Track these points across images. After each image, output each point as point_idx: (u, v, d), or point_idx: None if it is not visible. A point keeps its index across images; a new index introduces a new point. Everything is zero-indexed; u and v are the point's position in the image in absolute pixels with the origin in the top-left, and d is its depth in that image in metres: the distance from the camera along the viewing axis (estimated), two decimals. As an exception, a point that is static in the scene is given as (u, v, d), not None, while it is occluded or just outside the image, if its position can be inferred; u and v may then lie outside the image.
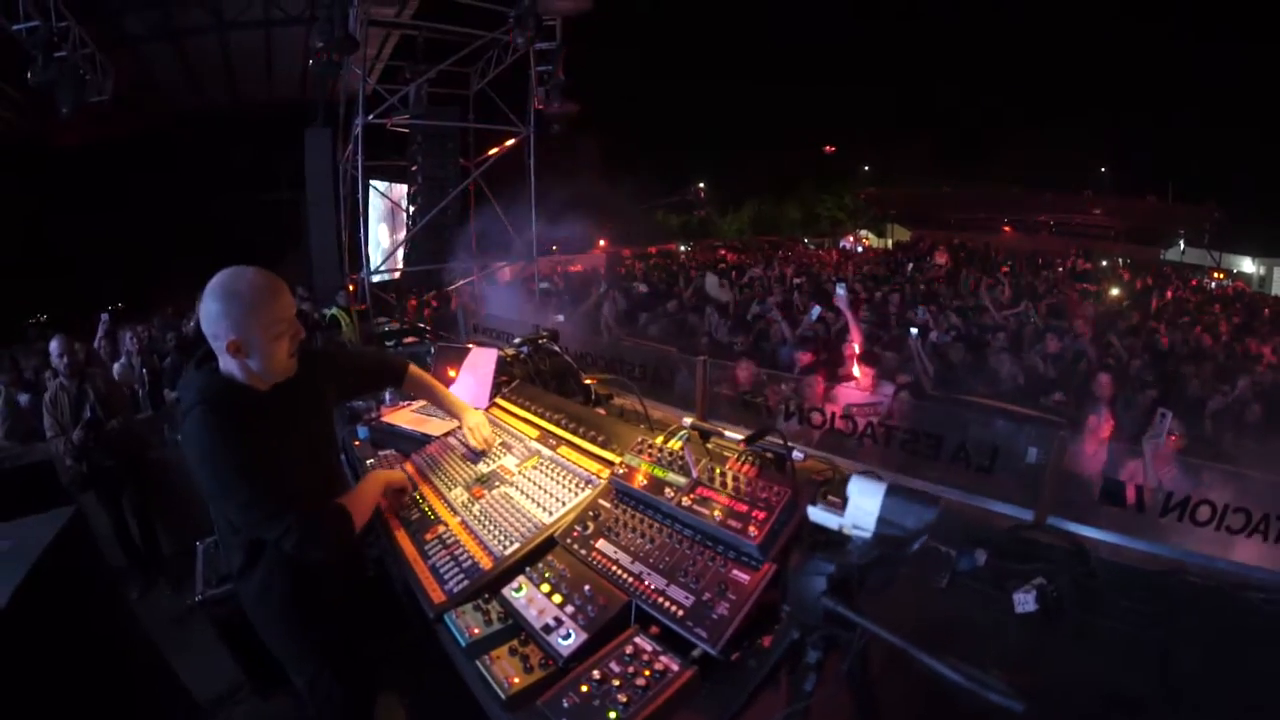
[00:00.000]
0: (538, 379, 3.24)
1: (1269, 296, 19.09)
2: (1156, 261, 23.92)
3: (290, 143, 12.73)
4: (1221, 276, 22.21)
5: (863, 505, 1.18)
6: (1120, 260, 22.93)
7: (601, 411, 2.90)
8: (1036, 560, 2.00)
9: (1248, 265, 23.45)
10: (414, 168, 12.62)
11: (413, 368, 2.61)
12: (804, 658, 1.07)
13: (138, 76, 9.76)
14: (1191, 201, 23.84)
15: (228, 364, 1.81)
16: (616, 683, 1.42)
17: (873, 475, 1.22)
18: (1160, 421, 3.35)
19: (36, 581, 2.03)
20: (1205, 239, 24.04)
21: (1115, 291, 12.41)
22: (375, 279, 11.17)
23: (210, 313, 1.75)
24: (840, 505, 1.22)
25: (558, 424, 2.52)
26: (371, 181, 11.93)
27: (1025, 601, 1.83)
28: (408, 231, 12.80)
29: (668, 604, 1.57)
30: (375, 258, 11.76)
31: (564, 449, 2.38)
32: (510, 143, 11.11)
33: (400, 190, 13.53)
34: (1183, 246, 25.15)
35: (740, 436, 1.91)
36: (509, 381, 3.11)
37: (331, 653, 2.08)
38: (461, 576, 1.89)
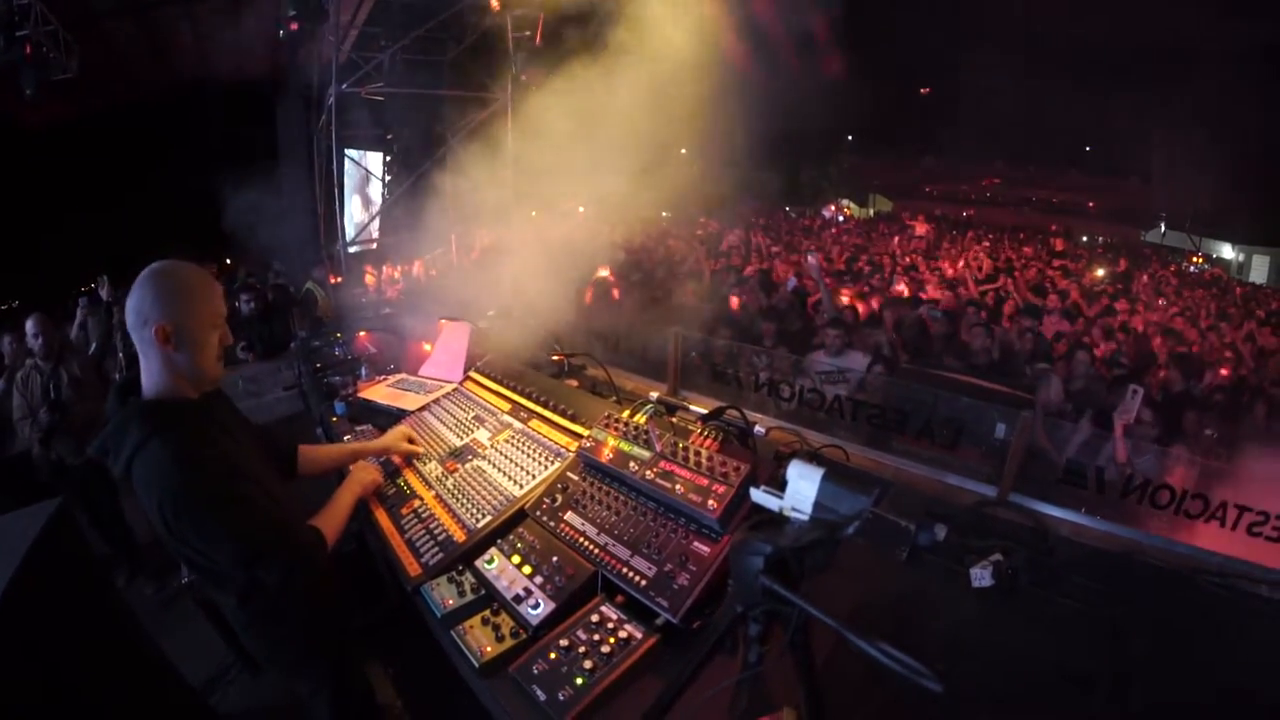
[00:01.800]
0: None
1: (1246, 283, 19.22)
2: (1137, 242, 24.06)
3: (263, 114, 12.42)
4: (1200, 261, 22.37)
5: (801, 490, 1.21)
6: (1100, 239, 23.04)
7: (574, 383, 2.92)
8: (996, 537, 2.03)
9: (1227, 251, 23.58)
10: (389, 136, 12.39)
11: (303, 448, 2.28)
12: (747, 631, 1.10)
13: (104, 53, 9.40)
14: (1175, 185, 23.85)
15: (152, 369, 1.68)
16: (583, 650, 1.47)
17: (814, 461, 1.24)
18: (1131, 398, 3.40)
19: (26, 578, 2.00)
20: (1186, 223, 24.14)
21: (1100, 272, 12.43)
22: (352, 250, 11.01)
23: (142, 298, 1.64)
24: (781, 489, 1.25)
25: (529, 397, 2.55)
26: (346, 151, 11.71)
27: (981, 577, 1.86)
28: (383, 201, 12.60)
29: (632, 574, 1.62)
30: (351, 229, 11.58)
31: (535, 422, 2.41)
32: (487, 111, 10.92)
33: (376, 159, 13.30)
34: (1163, 229, 25.26)
35: (705, 411, 1.94)
36: (482, 355, 3.13)
37: (337, 653, 2.08)
38: (436, 550, 1.93)
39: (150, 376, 1.69)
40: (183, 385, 1.70)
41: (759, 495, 1.29)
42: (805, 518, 1.18)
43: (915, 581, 1.92)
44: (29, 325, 4.19)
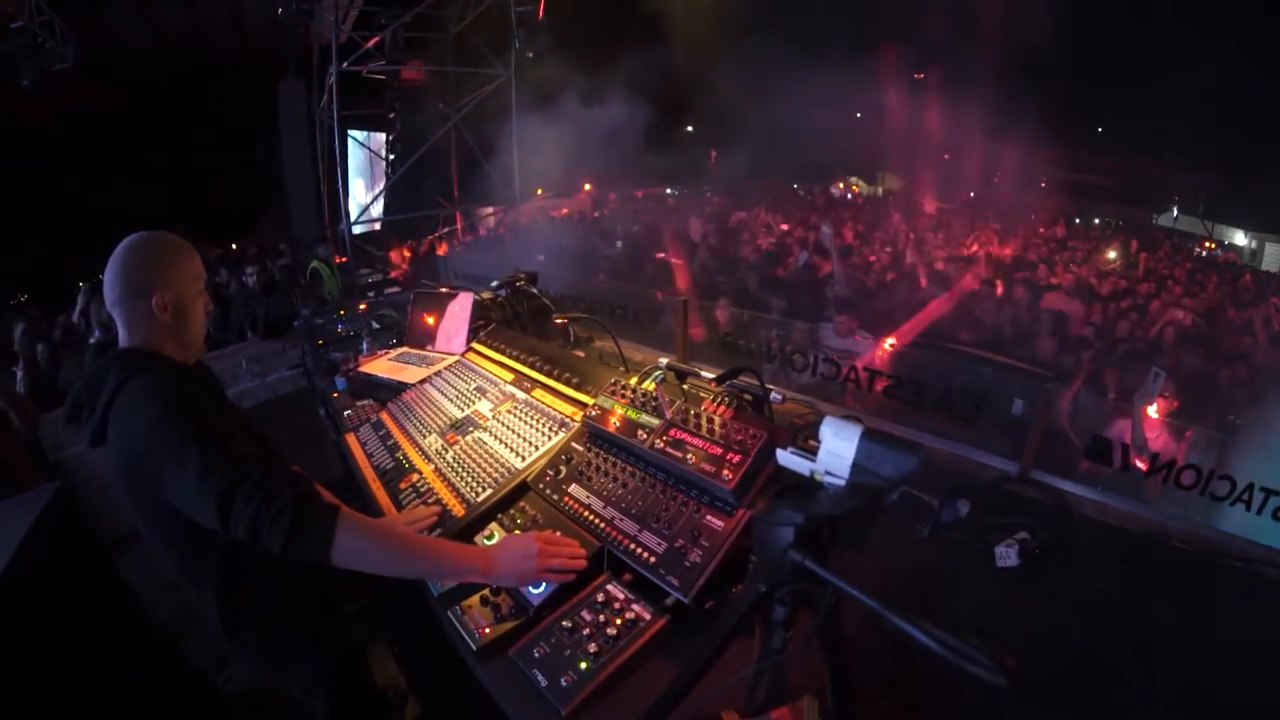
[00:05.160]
0: (516, 322, 3.16)
1: (1259, 270, 18.93)
2: (1148, 225, 23.77)
3: (264, 97, 12.26)
4: (1213, 247, 22.05)
5: (837, 449, 1.04)
6: (1111, 221, 22.79)
7: (580, 354, 2.83)
8: (1019, 514, 1.95)
9: (1240, 239, 23.23)
10: (392, 115, 12.25)
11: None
12: (771, 614, 0.97)
13: (102, 41, 9.24)
14: (1189, 168, 23.45)
15: (141, 332, 1.60)
16: (587, 632, 1.38)
17: (851, 418, 1.09)
18: (1153, 381, 3.27)
19: (22, 565, 1.94)
20: (1200, 207, 23.80)
21: (1112, 255, 12.20)
22: (356, 230, 10.90)
23: (133, 267, 1.58)
24: (813, 448, 1.11)
25: (532, 366, 2.45)
26: (349, 131, 11.56)
27: (1007, 555, 1.79)
28: (387, 181, 12.48)
29: (640, 550, 1.51)
30: (355, 209, 11.47)
31: (538, 391, 2.31)
32: (490, 87, 10.75)
33: (379, 139, 13.15)
34: (1175, 213, 24.94)
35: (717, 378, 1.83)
36: (486, 325, 3.04)
37: (331, 654, 1.95)
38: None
39: (134, 339, 1.61)
40: (172, 349, 1.65)
41: (787, 457, 1.14)
42: (841, 482, 1.03)
43: (936, 559, 1.85)
44: None
